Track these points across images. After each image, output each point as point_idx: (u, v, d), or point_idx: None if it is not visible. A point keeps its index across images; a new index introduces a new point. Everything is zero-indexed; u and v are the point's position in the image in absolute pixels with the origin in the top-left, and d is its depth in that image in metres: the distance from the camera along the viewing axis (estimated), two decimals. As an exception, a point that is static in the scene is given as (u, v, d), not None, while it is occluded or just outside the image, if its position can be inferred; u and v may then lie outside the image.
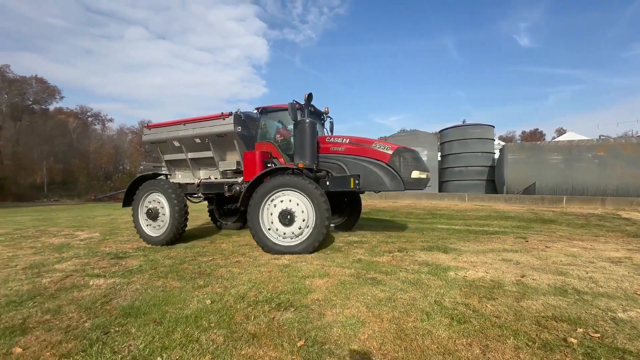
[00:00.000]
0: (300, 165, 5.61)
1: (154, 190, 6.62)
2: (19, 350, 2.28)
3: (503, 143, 27.09)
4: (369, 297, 3.25)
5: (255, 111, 6.66)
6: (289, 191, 5.28)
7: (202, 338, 2.42)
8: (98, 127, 57.82)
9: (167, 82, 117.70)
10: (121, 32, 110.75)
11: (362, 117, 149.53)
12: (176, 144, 6.77)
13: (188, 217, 6.52)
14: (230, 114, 6.07)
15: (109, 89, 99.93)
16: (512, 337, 2.40)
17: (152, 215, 6.50)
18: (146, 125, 7.23)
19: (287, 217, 5.23)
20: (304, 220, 5.22)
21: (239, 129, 6.12)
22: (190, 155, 6.77)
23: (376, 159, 5.67)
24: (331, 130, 7.25)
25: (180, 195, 6.46)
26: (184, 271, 4.34)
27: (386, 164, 5.60)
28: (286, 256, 5.12)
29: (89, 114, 56.47)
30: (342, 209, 7.85)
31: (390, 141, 19.29)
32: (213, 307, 3.03)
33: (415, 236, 6.99)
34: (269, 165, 6.09)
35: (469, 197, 15.54)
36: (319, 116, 7.02)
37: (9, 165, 39.04)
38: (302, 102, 6.07)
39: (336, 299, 3.21)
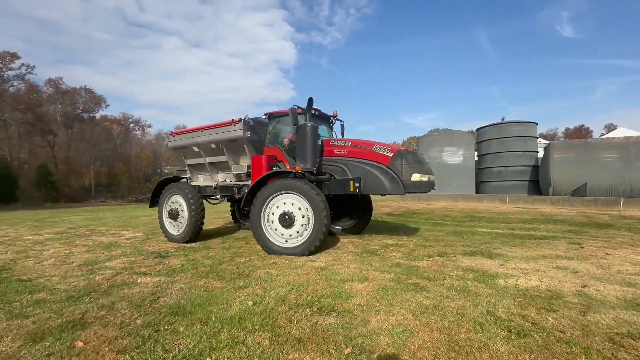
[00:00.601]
0: (297, 169, 5.70)
1: (174, 192, 7.16)
2: (80, 344, 2.41)
3: (545, 141, 25.33)
4: (413, 304, 3.10)
5: (264, 116, 6.85)
6: (288, 194, 5.41)
7: (248, 340, 2.42)
8: (138, 132, 61.75)
9: (201, 87, 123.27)
10: (159, 42, 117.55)
11: (391, 117, 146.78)
12: (195, 149, 7.20)
13: (204, 217, 6.93)
14: (240, 120, 6.33)
15: (148, 96, 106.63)
16: (583, 356, 2.16)
17: (173, 215, 7.02)
18: (170, 132, 7.80)
19: (286, 220, 5.36)
20: (302, 223, 5.30)
21: (248, 134, 6.38)
22: (208, 159, 7.18)
23: (377, 162, 5.62)
24: (342, 132, 7.21)
25: (197, 197, 6.87)
26: (223, 271, 4.43)
27: (386, 166, 5.51)
28: (321, 258, 5.07)
29: (130, 120, 60.47)
30: (352, 211, 7.74)
31: (425, 141, 18.65)
32: (255, 309, 3.03)
33: (454, 240, 6.66)
34: (274, 169, 6.24)
35: (510, 199, 14.65)
36: (325, 120, 7.07)
37: (63, 169, 42.77)
38: (304, 107, 6.14)
39: (379, 305, 3.09)
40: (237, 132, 6.36)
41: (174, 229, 7.08)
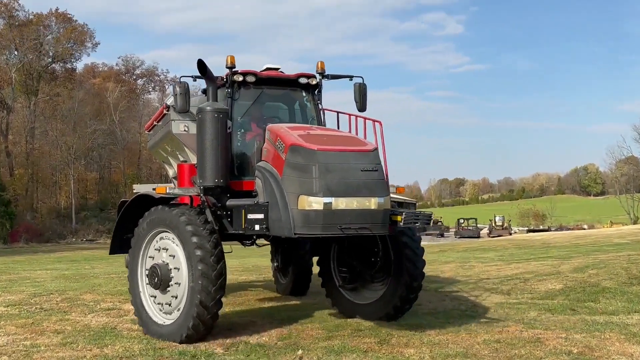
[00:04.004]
0: (159, 191, 4.23)
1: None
2: None
3: None
4: None
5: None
6: (166, 234, 4.05)
7: None
8: (154, 95, 38.25)
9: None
10: None
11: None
12: (162, 152, 5.80)
13: None
14: (168, 107, 4.72)
15: (171, 18, 74.54)
16: None
17: None
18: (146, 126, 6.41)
19: (156, 277, 3.96)
20: (177, 282, 3.87)
21: (184, 127, 4.56)
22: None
23: (275, 169, 3.75)
24: (362, 100, 4.71)
25: None
26: None
27: (280, 178, 3.61)
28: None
29: (137, 71, 38.73)
30: (374, 270, 4.45)
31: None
32: None
33: None
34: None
35: None
36: (290, 86, 4.74)
37: (22, 175, 27.37)
38: (200, 75, 4.20)
39: None
40: (169, 125, 4.79)
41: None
